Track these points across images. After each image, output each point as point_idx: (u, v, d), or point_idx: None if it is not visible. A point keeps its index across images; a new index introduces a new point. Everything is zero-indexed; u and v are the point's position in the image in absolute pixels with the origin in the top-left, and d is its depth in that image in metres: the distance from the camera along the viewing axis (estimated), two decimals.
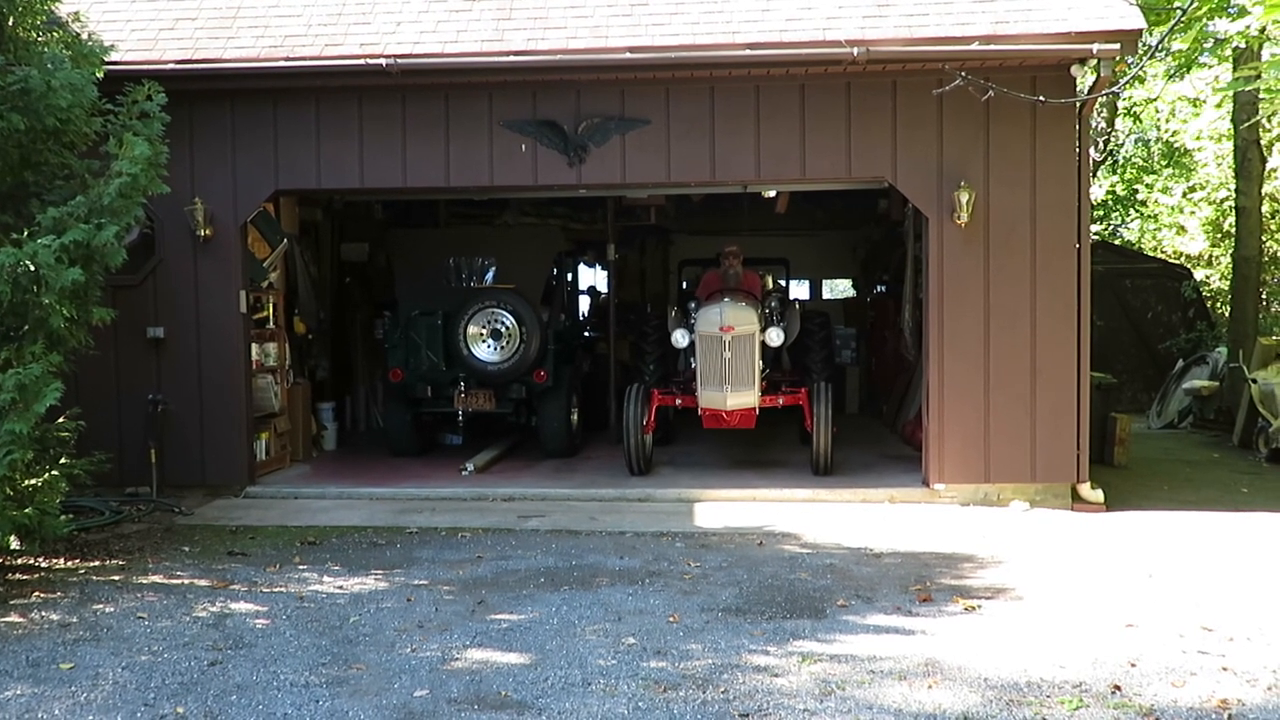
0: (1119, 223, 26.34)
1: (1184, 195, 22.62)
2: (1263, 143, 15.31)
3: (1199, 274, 20.61)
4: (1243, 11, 11.79)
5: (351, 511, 9.23)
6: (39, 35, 7.82)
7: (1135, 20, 8.74)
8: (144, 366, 9.79)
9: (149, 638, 5.90)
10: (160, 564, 7.55)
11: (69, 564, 7.54)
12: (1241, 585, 6.84)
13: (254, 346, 10.34)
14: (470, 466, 10.76)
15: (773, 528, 8.48)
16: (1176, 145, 23.08)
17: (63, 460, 7.55)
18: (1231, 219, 17.82)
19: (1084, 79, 9.41)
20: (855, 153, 9.39)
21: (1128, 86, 19.76)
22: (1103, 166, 24.68)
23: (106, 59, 8.06)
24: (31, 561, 7.53)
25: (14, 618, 6.29)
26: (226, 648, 5.73)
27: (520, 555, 7.67)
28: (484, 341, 11.36)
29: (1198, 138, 20.67)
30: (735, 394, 10.13)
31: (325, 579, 7.11)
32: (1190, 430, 14.86)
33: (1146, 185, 25.01)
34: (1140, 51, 9.91)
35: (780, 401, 10.64)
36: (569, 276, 13.71)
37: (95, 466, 7.77)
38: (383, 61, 9.06)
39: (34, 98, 7.01)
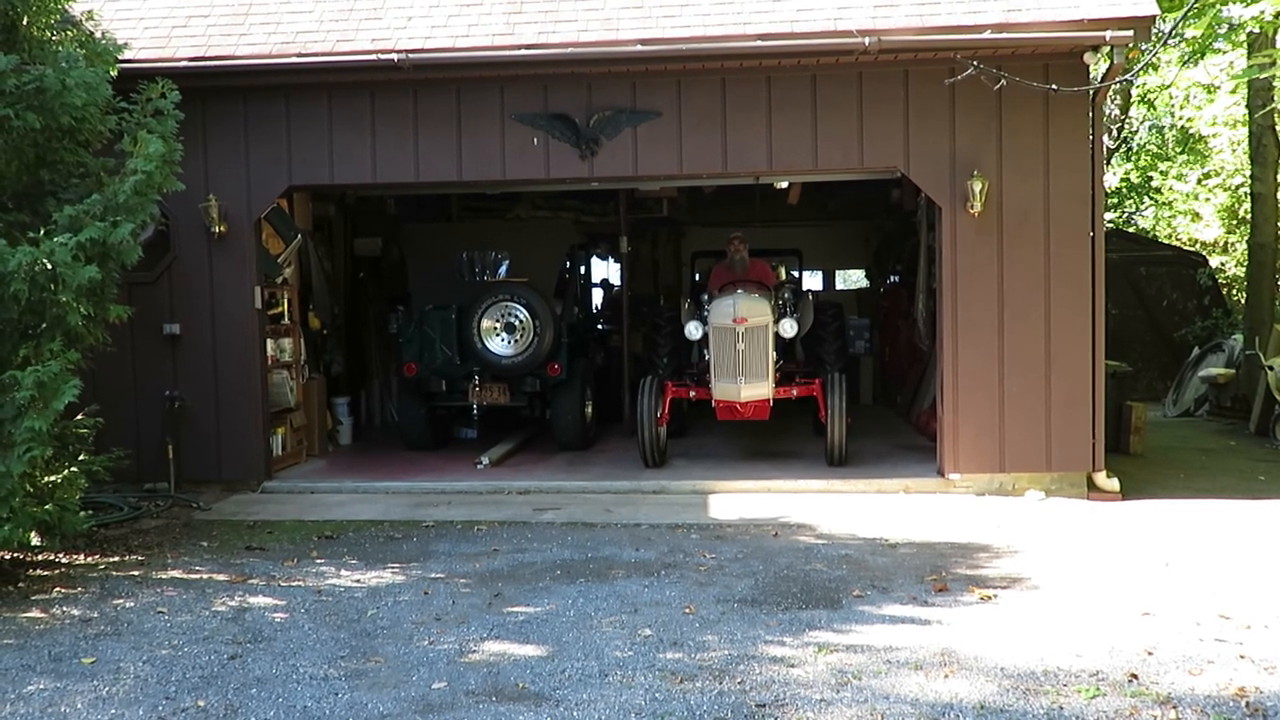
0: (1133, 210, 26.21)
1: (1199, 182, 22.50)
2: (1278, 128, 15.21)
3: (1214, 261, 20.52)
4: None
5: (368, 505, 9.28)
6: (53, 34, 7.85)
7: (1148, 6, 8.68)
8: (160, 363, 9.86)
9: (169, 632, 5.95)
10: (179, 559, 7.61)
11: (89, 559, 7.61)
12: (1259, 573, 6.82)
13: (269, 342, 10.39)
14: (485, 460, 10.78)
15: (788, 519, 8.49)
16: (1191, 132, 22.94)
17: (82, 457, 7.58)
18: (1247, 205, 17.72)
19: (1097, 66, 9.36)
20: (867, 143, 9.38)
21: (1141, 73, 19.64)
22: (1117, 154, 24.56)
23: (120, 57, 8.08)
24: (52, 557, 7.60)
25: (36, 613, 6.36)
26: (246, 641, 5.77)
27: (536, 548, 7.70)
28: (497, 335, 11.37)
29: (1212, 124, 20.55)
30: (749, 385, 10.13)
31: (343, 573, 7.15)
32: (1206, 418, 14.79)
33: (1161, 172, 24.88)
34: (1154, 38, 9.84)
35: (794, 393, 10.62)
36: (581, 269, 13.72)
37: (114, 463, 7.81)
38: (394, 56, 9.08)
39: (49, 97, 7.04)
